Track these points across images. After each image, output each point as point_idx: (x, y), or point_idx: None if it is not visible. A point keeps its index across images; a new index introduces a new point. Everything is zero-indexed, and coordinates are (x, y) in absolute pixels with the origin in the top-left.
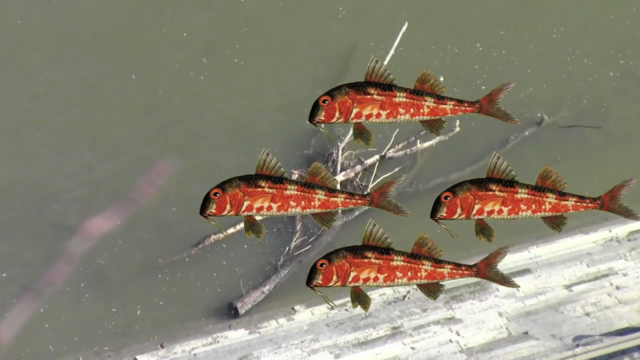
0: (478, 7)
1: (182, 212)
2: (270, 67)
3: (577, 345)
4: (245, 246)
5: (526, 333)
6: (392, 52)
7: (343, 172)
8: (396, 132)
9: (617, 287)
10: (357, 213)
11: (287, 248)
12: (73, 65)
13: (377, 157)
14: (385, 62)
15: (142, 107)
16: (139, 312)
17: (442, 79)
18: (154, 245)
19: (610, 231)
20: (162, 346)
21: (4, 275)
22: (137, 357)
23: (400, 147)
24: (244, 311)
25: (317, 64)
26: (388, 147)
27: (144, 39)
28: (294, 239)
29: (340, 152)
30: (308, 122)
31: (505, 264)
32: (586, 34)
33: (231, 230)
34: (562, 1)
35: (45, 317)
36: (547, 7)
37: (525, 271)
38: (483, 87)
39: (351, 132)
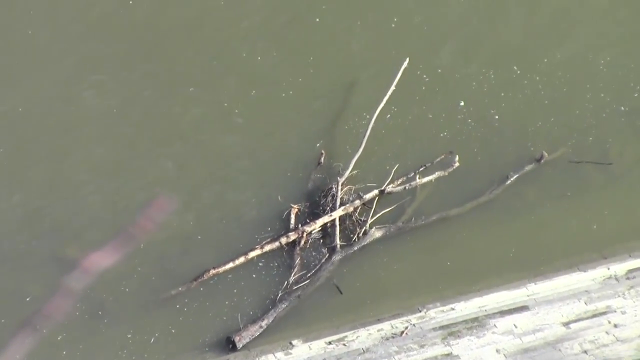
0: (490, 37)
1: (180, 246)
2: (268, 103)
3: None
4: (243, 282)
5: None
6: (387, 96)
7: (342, 207)
8: (396, 167)
9: (615, 325)
10: (355, 248)
11: (286, 283)
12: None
13: (376, 191)
14: (379, 109)
15: (149, 141)
16: (132, 349)
17: (462, 103)
18: (151, 280)
19: (608, 269)
20: None
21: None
22: None
23: (399, 182)
24: (241, 345)
25: (314, 101)
26: (387, 182)
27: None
28: (293, 273)
29: (339, 187)
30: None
31: (504, 301)
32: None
33: (230, 265)
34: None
35: (61, 345)
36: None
37: (523, 308)
38: (496, 117)
39: (351, 166)
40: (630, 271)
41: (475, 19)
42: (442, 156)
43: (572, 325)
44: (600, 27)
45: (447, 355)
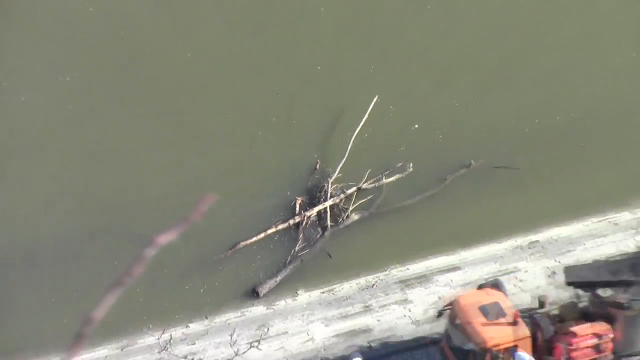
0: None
1: (220, 226)
2: (282, 128)
3: None
4: (263, 251)
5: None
6: (363, 121)
7: (331, 199)
8: (369, 171)
9: (520, 280)
10: (340, 227)
11: (293, 251)
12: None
13: (355, 188)
14: (357, 130)
15: (199, 154)
16: (188, 297)
17: (416, 126)
18: (201, 249)
19: (516, 241)
20: (206, 317)
21: (100, 268)
22: (189, 324)
23: (371, 181)
24: (263, 294)
25: (313, 125)
26: (363, 181)
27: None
28: (297, 244)
29: (329, 185)
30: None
31: (443, 263)
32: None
33: (254, 239)
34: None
35: (140, 294)
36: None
37: (456, 268)
38: (440, 136)
39: (337, 171)
40: (531, 242)
41: (426, 69)
42: (401, 164)
43: (490, 280)
44: (520, 88)
45: (404, 300)
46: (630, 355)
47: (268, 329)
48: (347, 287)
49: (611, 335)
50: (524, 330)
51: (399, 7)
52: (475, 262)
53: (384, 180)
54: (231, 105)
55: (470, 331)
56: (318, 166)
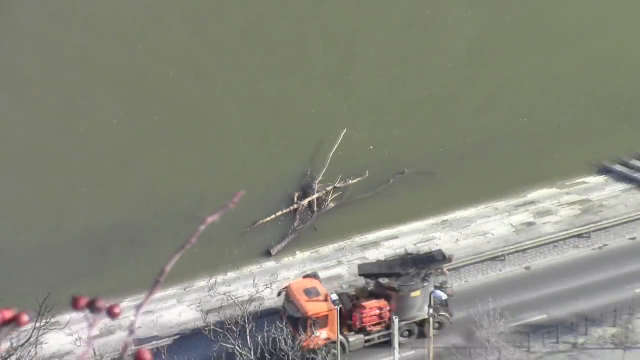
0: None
1: (246, 211)
2: (283, 148)
3: None
4: (274, 226)
5: None
6: (337, 144)
7: (317, 194)
8: (340, 176)
9: (436, 245)
10: (323, 211)
11: (293, 226)
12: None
13: (332, 187)
14: (333, 150)
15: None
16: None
17: (372, 147)
18: (232, 225)
19: (433, 219)
20: (238, 269)
21: (169, 240)
22: (227, 273)
23: (342, 183)
24: (274, 254)
25: (307, 147)
26: (336, 182)
27: None
28: (296, 222)
29: (316, 185)
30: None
31: (386, 234)
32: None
33: (268, 219)
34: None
35: (192, 254)
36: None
37: (395, 237)
38: (386, 153)
39: (321, 176)
40: (444, 221)
41: (378, 112)
42: (360, 171)
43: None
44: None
45: (363, 257)
46: (402, 320)
47: (277, 276)
48: (327, 249)
49: (388, 308)
50: (331, 305)
51: (366, 74)
52: (407, 233)
53: (350, 182)
54: (256, 135)
55: (298, 305)
56: (309, 173)
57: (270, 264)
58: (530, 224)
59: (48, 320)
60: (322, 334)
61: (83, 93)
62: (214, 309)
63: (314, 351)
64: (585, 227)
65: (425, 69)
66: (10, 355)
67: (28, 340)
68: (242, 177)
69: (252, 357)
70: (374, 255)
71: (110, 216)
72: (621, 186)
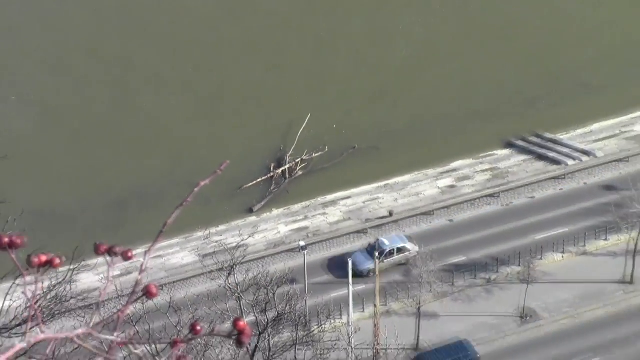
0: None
1: (235, 177)
2: (265, 131)
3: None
4: (257, 189)
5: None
6: (304, 125)
7: (289, 164)
8: (306, 151)
9: (380, 205)
10: (293, 178)
11: (269, 189)
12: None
13: (299, 159)
14: (301, 130)
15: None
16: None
17: (334, 126)
18: (226, 185)
19: (378, 184)
20: (227, 222)
21: (169, 200)
22: (219, 226)
23: (308, 156)
24: (255, 210)
25: (280, 129)
26: (303, 155)
27: None
28: (272, 186)
29: (287, 157)
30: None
31: (342, 195)
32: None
33: (251, 184)
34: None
35: (194, 211)
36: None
37: (349, 197)
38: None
39: (291, 150)
40: (386, 184)
41: (337, 98)
42: (322, 146)
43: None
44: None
45: (324, 213)
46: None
47: (258, 228)
48: (297, 207)
49: None
50: None
51: (331, 68)
52: (357, 194)
53: (314, 155)
54: (242, 118)
55: None
56: (282, 148)
57: (252, 219)
58: (452, 187)
59: (79, 263)
60: None
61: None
62: (209, 253)
63: None
64: (495, 189)
65: (377, 66)
66: (50, 291)
67: (63, 279)
68: (230, 151)
69: (238, 291)
70: (332, 211)
71: (128, 180)
72: (523, 157)
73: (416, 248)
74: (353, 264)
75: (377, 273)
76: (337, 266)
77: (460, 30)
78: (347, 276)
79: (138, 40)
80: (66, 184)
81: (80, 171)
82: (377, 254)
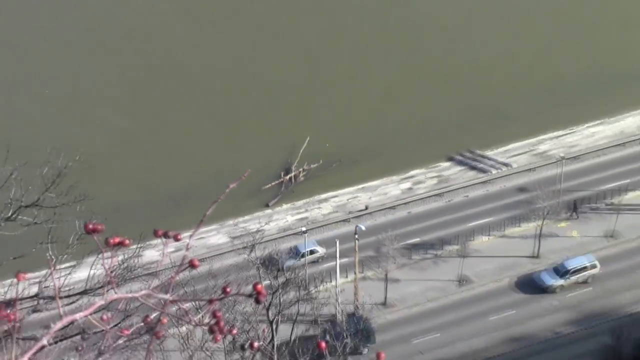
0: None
1: (254, 180)
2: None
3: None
4: (270, 190)
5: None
6: (305, 144)
7: (294, 172)
8: (306, 163)
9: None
10: (298, 182)
11: (281, 190)
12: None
13: (302, 169)
14: (303, 147)
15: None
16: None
17: (327, 145)
18: (248, 189)
19: (357, 187)
20: (250, 215)
21: (203, 198)
22: (245, 217)
23: (308, 167)
24: (271, 205)
25: (288, 147)
26: (304, 166)
27: None
28: (282, 188)
29: (293, 167)
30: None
31: (333, 194)
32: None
33: (269, 185)
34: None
35: (224, 205)
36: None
37: (335, 196)
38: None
39: (296, 162)
40: (358, 188)
41: (329, 126)
42: (318, 159)
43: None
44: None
45: (319, 207)
46: None
47: (272, 218)
48: (300, 203)
49: None
50: None
51: (325, 98)
52: (342, 194)
53: (312, 166)
54: (262, 137)
55: None
56: (289, 161)
57: (268, 211)
58: (410, 189)
59: (143, 243)
60: None
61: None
62: (237, 236)
63: None
64: (440, 190)
65: (355, 100)
66: (122, 263)
67: (132, 255)
68: (252, 163)
69: (257, 263)
70: (325, 205)
71: (178, 182)
72: (460, 167)
73: (324, 250)
74: (538, 280)
75: (357, 249)
76: (328, 245)
77: (411, 74)
78: (335, 253)
79: (182, 80)
80: (131, 185)
81: (141, 175)
82: (356, 235)
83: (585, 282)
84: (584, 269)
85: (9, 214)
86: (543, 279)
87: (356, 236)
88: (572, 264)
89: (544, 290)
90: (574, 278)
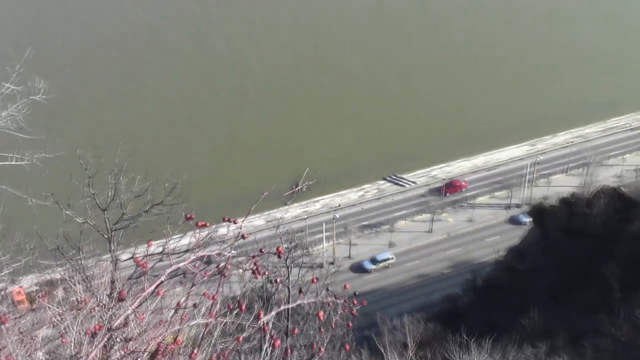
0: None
1: (276, 192)
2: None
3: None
4: (282, 196)
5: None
6: (306, 171)
7: (300, 186)
8: (302, 181)
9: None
10: (302, 192)
11: (292, 196)
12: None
13: (302, 184)
14: (305, 172)
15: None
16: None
17: (319, 171)
18: (271, 197)
19: (348, 190)
20: (271, 212)
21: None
22: (265, 213)
23: (307, 184)
24: (288, 203)
25: (298, 171)
26: (306, 183)
27: None
28: (293, 194)
29: (300, 183)
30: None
31: (314, 200)
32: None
33: (287, 194)
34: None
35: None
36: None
37: (316, 201)
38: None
39: (301, 182)
40: (338, 194)
41: (321, 156)
42: (313, 181)
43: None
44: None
45: (314, 205)
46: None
47: (288, 211)
48: (304, 202)
49: None
50: None
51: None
52: (328, 197)
53: (310, 183)
54: (278, 162)
55: None
56: (297, 179)
57: (285, 207)
58: (362, 195)
59: (217, 225)
60: None
61: None
62: (269, 220)
63: None
64: (378, 196)
65: (341, 130)
66: (206, 236)
67: (210, 232)
68: (277, 180)
69: (280, 236)
70: (317, 204)
71: (233, 189)
72: (389, 184)
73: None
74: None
75: (334, 228)
76: (318, 226)
77: (365, 132)
78: (322, 230)
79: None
80: (208, 192)
81: (216, 189)
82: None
83: (386, 267)
84: (387, 259)
85: (146, 209)
86: (364, 265)
87: (334, 220)
88: (380, 257)
89: (365, 271)
90: (380, 265)
